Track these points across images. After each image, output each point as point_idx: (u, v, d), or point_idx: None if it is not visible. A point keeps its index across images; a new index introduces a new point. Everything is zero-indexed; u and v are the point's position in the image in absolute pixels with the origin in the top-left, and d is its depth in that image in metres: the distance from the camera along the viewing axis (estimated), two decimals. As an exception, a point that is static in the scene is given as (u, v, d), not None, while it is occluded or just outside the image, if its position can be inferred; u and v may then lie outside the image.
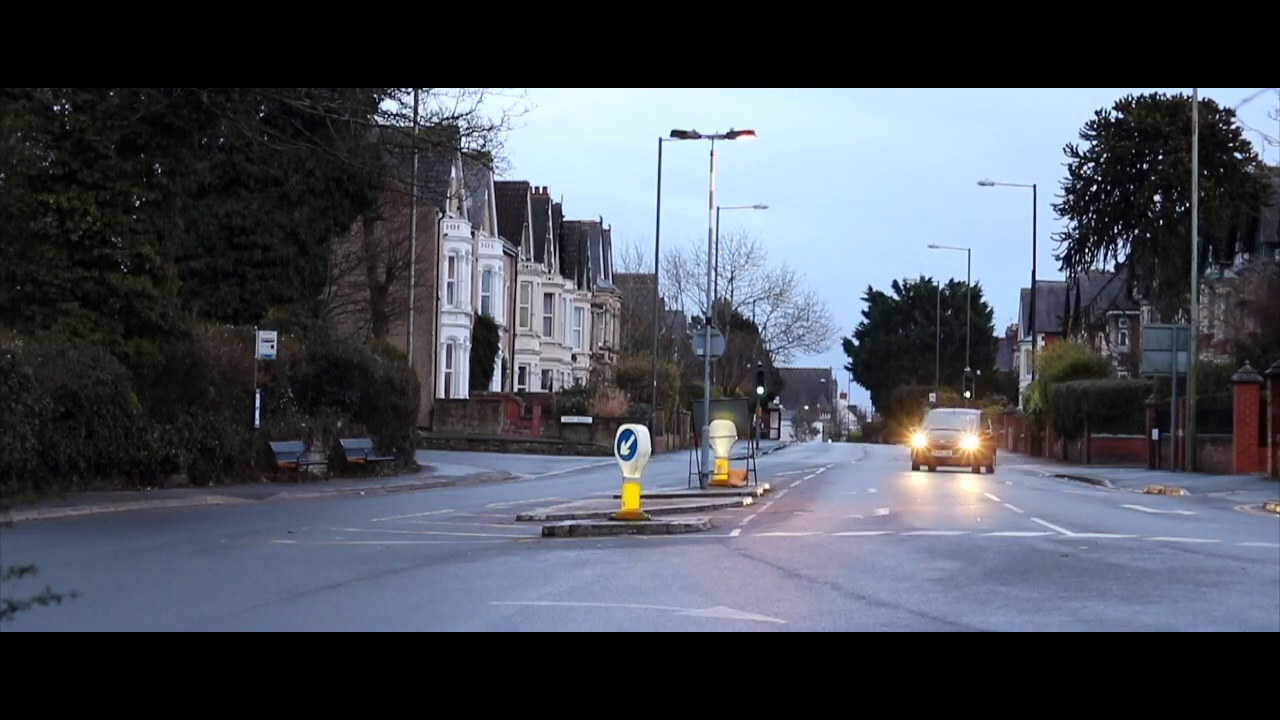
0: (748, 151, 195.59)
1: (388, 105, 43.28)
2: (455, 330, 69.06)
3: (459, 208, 68.96)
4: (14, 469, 25.81)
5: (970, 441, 46.56)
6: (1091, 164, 65.83)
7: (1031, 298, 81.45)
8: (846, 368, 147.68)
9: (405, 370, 45.44)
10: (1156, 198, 65.25)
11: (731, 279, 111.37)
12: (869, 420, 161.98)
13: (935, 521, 24.18)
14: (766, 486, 34.43)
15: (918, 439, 49.46)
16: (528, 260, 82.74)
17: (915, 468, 47.84)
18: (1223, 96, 66.70)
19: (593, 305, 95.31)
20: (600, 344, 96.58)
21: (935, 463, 46.53)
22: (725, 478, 33.57)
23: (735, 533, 21.78)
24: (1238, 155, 63.50)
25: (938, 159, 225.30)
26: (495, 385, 74.79)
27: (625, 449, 22.50)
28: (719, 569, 17.40)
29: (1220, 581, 15.54)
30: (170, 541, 21.26)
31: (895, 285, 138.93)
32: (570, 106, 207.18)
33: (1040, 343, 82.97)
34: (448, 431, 63.58)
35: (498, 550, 19.72)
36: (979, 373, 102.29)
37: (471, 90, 38.61)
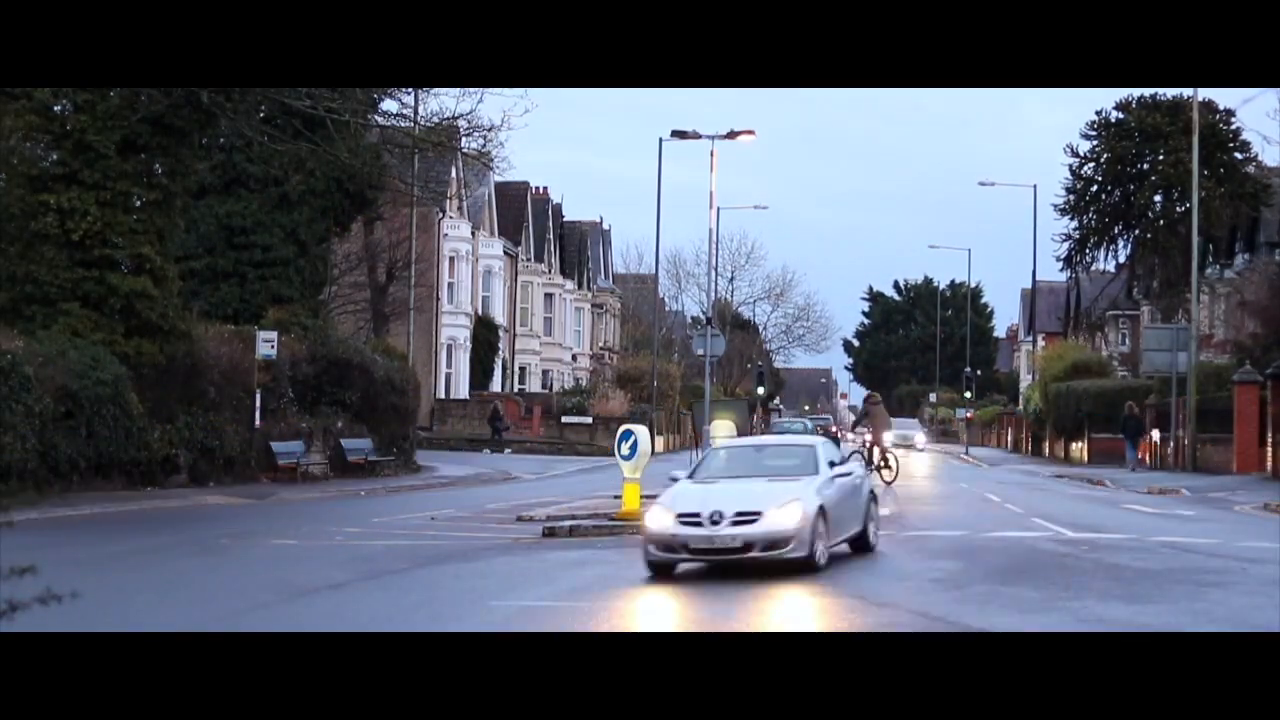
0: (748, 152, 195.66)
1: (388, 105, 43.29)
2: (455, 330, 69.00)
3: (459, 208, 68.93)
4: (14, 469, 25.81)
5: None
6: (1092, 164, 65.75)
7: (1032, 298, 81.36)
8: (846, 368, 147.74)
9: (405, 370, 45.39)
10: (1157, 198, 65.16)
11: (731, 279, 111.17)
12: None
13: (936, 521, 24.14)
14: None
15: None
16: (528, 260, 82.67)
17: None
18: (1223, 96, 66.67)
19: (593, 305, 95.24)
20: (600, 344, 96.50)
21: None
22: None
23: (735, 533, 21.72)
24: (1238, 155, 63.42)
25: (939, 158, 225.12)
26: (495, 385, 74.71)
27: (625, 449, 22.45)
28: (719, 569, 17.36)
29: (1220, 581, 15.52)
30: (170, 541, 21.27)
31: (896, 285, 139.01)
32: (570, 106, 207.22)
33: (1040, 343, 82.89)
34: (448, 431, 63.56)
35: (498, 550, 19.71)
36: (979, 373, 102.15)
37: (471, 90, 38.56)
